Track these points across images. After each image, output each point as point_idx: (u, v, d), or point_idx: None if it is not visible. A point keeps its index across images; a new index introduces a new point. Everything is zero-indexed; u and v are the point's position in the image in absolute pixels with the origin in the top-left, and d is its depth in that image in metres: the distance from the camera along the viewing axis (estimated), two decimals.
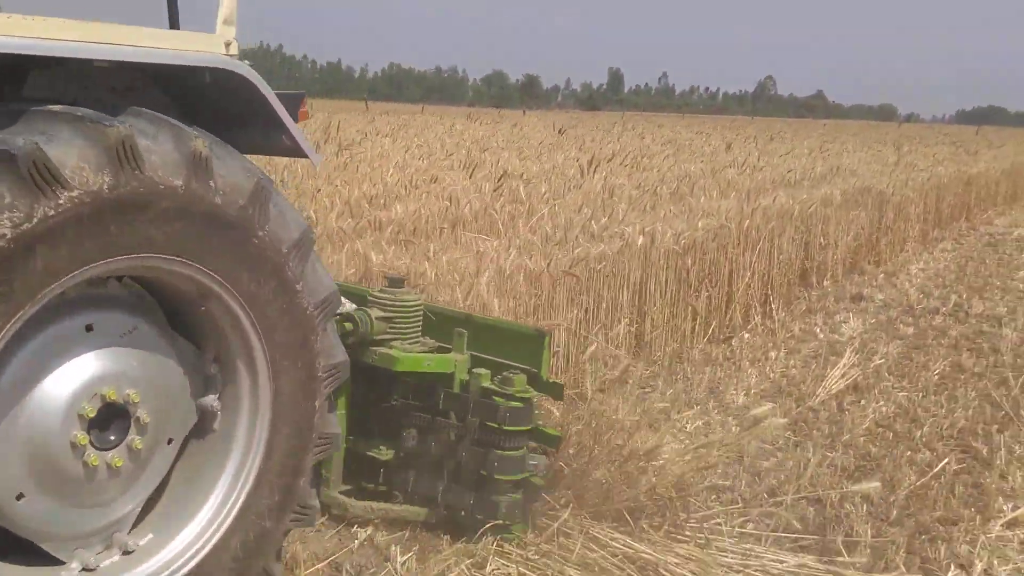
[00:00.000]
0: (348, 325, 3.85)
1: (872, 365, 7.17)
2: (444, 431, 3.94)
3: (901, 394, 6.52)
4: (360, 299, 4.13)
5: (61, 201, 2.30)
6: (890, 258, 12.29)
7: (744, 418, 5.51)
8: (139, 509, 2.89)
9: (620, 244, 6.31)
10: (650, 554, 3.86)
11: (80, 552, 2.74)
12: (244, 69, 2.86)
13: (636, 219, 7.14)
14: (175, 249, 2.60)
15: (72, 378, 2.59)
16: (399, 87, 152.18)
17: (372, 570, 3.79)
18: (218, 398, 2.96)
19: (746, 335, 7.96)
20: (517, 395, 3.78)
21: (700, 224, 7.48)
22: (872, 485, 4.62)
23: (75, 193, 2.32)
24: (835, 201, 10.55)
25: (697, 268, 7.43)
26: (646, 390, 5.94)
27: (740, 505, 4.53)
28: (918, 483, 4.93)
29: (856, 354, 7.44)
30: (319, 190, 6.81)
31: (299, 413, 3.02)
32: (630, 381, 5.76)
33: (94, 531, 2.78)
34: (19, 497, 2.54)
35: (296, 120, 3.14)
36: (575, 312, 6.04)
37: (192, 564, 2.87)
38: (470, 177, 8.62)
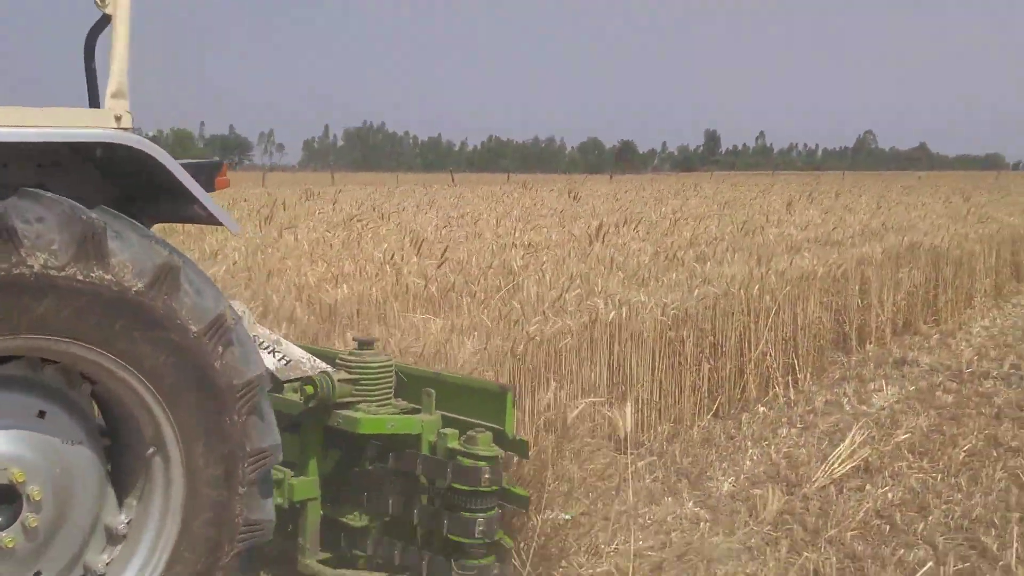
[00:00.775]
0: (309, 388, 3.80)
1: (893, 441, 6.45)
2: (414, 495, 3.82)
3: (916, 476, 5.79)
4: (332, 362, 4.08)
5: None
6: (950, 316, 11.39)
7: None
8: None
9: (586, 319, 5.84)
10: None
11: None
12: (137, 141, 2.81)
13: (622, 290, 6.65)
14: (69, 332, 2.57)
15: None
16: (495, 158, 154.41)
17: None
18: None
19: (762, 409, 7.32)
20: (482, 455, 3.61)
21: (696, 292, 6.94)
22: None
23: None
24: (875, 259, 9.82)
25: (693, 340, 6.88)
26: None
27: None
28: None
29: (876, 428, 6.76)
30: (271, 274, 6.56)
31: (218, 499, 2.92)
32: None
33: None
34: None
35: (213, 188, 3.21)
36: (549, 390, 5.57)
37: None
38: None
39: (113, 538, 2.94)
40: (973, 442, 6.46)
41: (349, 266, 6.98)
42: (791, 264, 8.26)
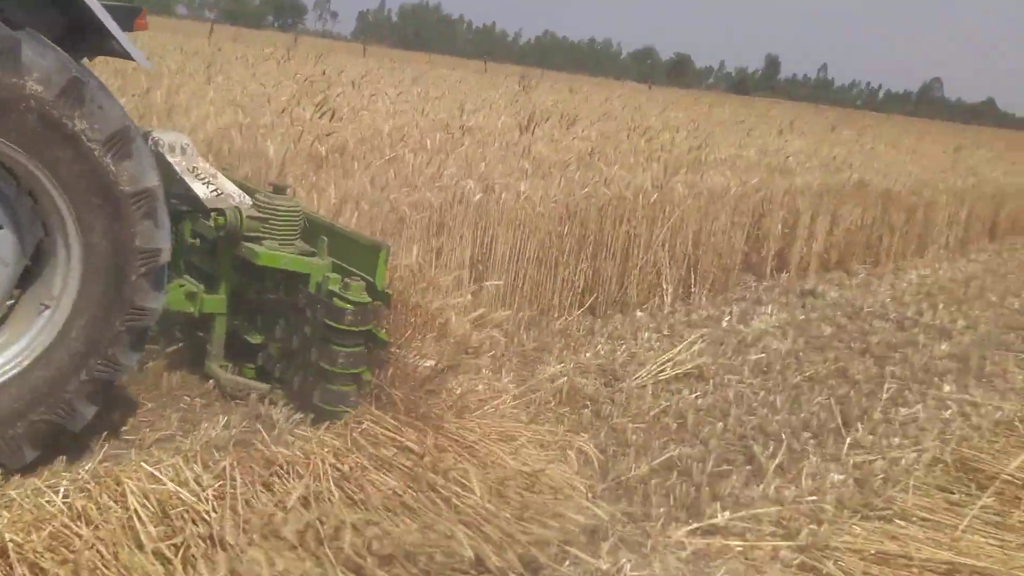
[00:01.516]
0: (220, 220, 4.34)
1: (742, 358, 6.70)
2: (298, 324, 4.38)
3: (737, 388, 6.04)
4: None
5: None
6: (890, 261, 11.45)
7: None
8: None
9: (446, 196, 6.06)
10: None
11: None
12: None
13: (505, 178, 6.84)
14: None
15: None
16: (547, 55, 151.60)
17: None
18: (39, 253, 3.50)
19: (639, 314, 7.56)
20: (353, 300, 4.15)
21: (585, 190, 7.11)
22: None
23: None
24: (811, 190, 9.87)
25: (575, 237, 7.08)
26: None
27: None
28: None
29: (735, 344, 7.00)
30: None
31: (109, 281, 3.49)
32: None
33: None
34: None
35: (131, 29, 3.77)
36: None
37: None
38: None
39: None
40: (819, 370, 6.69)
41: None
42: (701, 178, 8.34)
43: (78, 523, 3.08)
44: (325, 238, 4.48)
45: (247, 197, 4.51)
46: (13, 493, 3.14)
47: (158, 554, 3.03)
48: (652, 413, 5.40)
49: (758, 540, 4.10)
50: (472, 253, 6.37)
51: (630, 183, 7.53)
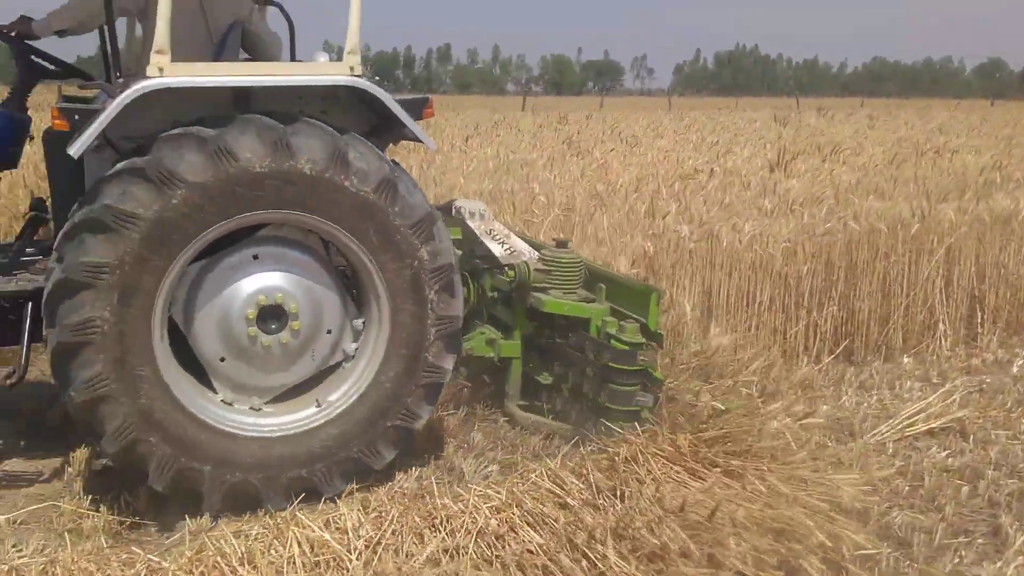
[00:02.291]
0: (511, 273, 4.88)
1: (1020, 412, 5.69)
2: (583, 365, 4.75)
3: (1007, 446, 5.14)
4: None
5: (232, 171, 3.66)
6: None
7: None
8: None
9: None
10: None
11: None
12: (364, 84, 4.02)
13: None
14: (312, 211, 3.84)
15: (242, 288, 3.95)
16: (877, 81, 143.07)
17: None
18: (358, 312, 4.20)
19: (906, 359, 6.73)
20: (627, 340, 4.53)
21: (827, 226, 6.52)
22: None
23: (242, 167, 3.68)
24: None
25: (822, 277, 6.50)
26: None
27: None
28: None
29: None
30: None
31: (411, 342, 4.08)
32: None
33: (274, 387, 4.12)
34: (222, 359, 3.99)
35: (421, 117, 4.31)
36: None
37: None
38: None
39: (356, 335, 4.20)
40: None
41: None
42: (978, 203, 7.31)
43: (242, 565, 3.30)
44: (603, 285, 4.89)
45: (535, 252, 4.99)
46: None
47: None
48: (883, 473, 4.72)
49: None
50: (692, 299, 6.03)
51: (883, 214, 6.79)
